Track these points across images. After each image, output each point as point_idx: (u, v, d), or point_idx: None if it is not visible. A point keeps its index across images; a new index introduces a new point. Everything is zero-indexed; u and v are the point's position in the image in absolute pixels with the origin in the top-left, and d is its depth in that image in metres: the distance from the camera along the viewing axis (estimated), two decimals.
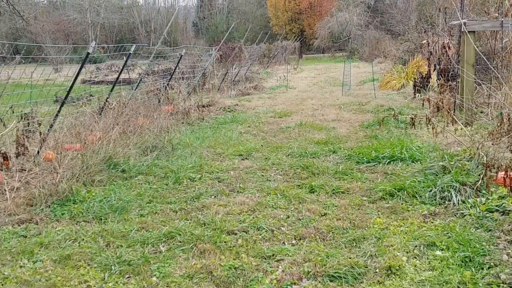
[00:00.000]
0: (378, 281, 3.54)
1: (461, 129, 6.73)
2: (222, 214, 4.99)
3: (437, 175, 5.70)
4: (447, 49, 11.89)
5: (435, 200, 5.11)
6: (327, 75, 23.44)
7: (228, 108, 12.56)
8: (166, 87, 11.53)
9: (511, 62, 9.03)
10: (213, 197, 5.59)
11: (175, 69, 12.42)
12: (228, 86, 16.40)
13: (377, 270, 3.69)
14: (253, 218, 4.89)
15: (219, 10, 51.56)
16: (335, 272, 3.66)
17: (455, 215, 4.72)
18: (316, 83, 19.82)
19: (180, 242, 4.33)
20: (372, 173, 6.37)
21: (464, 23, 8.42)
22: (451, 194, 5.11)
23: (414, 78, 12.96)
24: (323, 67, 29.79)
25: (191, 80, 13.97)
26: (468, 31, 8.36)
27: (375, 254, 3.94)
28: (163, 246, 4.29)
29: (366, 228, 4.53)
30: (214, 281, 3.65)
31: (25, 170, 5.97)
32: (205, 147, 8.05)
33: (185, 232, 4.48)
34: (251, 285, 3.58)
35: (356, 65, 27.12)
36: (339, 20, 36.55)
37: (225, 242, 4.30)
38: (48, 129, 6.82)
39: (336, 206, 5.19)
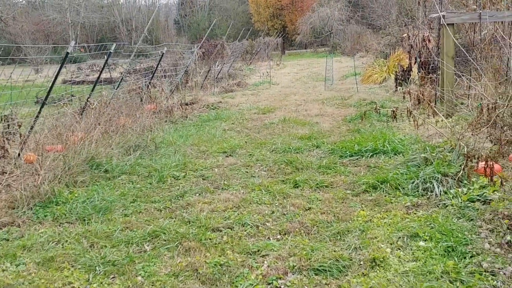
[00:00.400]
0: (363, 273, 3.57)
1: (442, 120, 6.80)
2: (207, 211, 4.98)
3: (419, 167, 5.76)
4: (427, 42, 11.98)
5: (418, 191, 5.16)
6: (309, 71, 23.52)
7: (212, 106, 12.53)
8: (148, 86, 11.45)
9: (490, 54, 9.14)
10: (197, 195, 5.58)
11: (156, 67, 12.35)
12: (211, 83, 16.35)
13: (361, 263, 3.72)
14: (238, 214, 4.89)
15: (200, 7, 51.36)
16: (320, 266, 3.68)
17: (438, 206, 4.78)
18: (299, 79, 19.87)
19: (165, 240, 4.32)
20: (355, 166, 6.42)
21: (443, 16, 8.50)
22: (433, 185, 5.17)
23: (396, 72, 13.06)
24: (306, 62, 29.87)
25: (173, 78, 13.90)
26: (447, 24, 8.44)
27: (360, 247, 3.97)
28: (147, 245, 4.27)
29: (350, 221, 4.56)
30: (199, 279, 3.64)
31: (6, 173, 5.88)
32: (189, 145, 8.02)
33: (169, 231, 4.46)
34: (236, 281, 3.59)
35: (338, 59, 27.22)
36: (321, 15, 36.66)
37: (210, 239, 4.30)
38: (29, 131, 6.73)
39: (320, 200, 5.21)
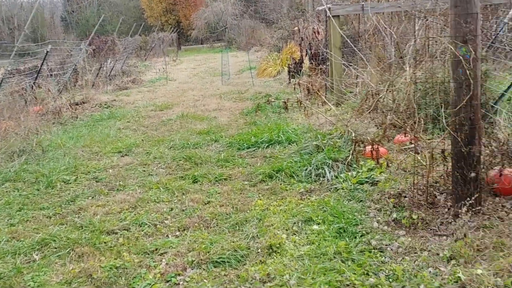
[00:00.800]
0: (260, 260, 3.61)
1: (330, 109, 7.10)
2: (101, 214, 4.77)
3: (311, 154, 5.97)
4: (317, 34, 12.48)
5: (311, 177, 5.35)
6: (206, 66, 23.48)
7: (105, 104, 12.05)
8: (32, 86, 10.73)
9: (374, 44, 9.71)
10: (90, 198, 5.33)
11: (41, 66, 11.60)
12: (104, 81, 15.73)
13: (259, 250, 3.77)
14: (135, 214, 4.75)
15: (88, 3, 49.09)
16: (219, 258, 3.68)
17: (330, 190, 4.98)
18: (196, 74, 19.77)
19: (56, 248, 4.07)
20: (253, 157, 6.51)
21: (329, 8, 8.86)
22: (325, 170, 5.38)
23: (288, 64, 13.42)
24: (203, 57, 29.76)
25: (61, 77, 13.16)
26: (333, 16, 8.82)
27: (257, 235, 4.03)
28: (36, 255, 4.00)
29: (248, 211, 4.62)
30: (94, 284, 3.48)
31: None
32: (80, 146, 7.64)
33: (60, 238, 4.22)
34: (134, 282, 3.47)
35: (234, 54, 27.46)
36: (215, 10, 36.73)
37: (105, 242, 4.12)
38: None
39: (219, 193, 5.22)
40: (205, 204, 4.95)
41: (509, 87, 5.97)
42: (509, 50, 7.53)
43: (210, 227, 4.36)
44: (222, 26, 37.49)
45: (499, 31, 6.88)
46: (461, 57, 3.77)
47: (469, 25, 3.78)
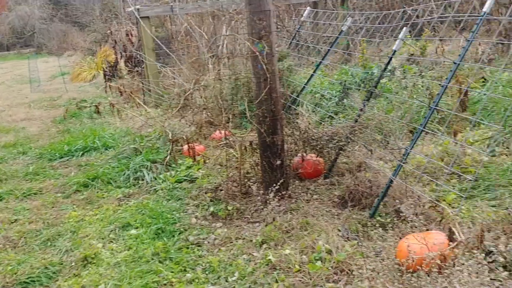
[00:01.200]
0: (74, 274, 3.41)
1: (146, 111, 7.03)
2: None
3: (130, 158, 5.83)
4: (131, 36, 12.23)
5: (129, 182, 5.22)
6: (13, 73, 21.40)
7: None
8: None
9: (186, 45, 9.85)
10: None
11: None
12: None
13: (73, 264, 3.55)
14: None
15: None
16: (28, 277, 3.39)
17: (149, 192, 4.93)
18: (1, 83, 17.92)
19: None
20: (66, 167, 6.12)
21: (138, 9, 8.72)
22: (143, 173, 5.30)
23: (103, 68, 12.93)
24: (9, 65, 27.01)
25: None
26: (142, 17, 8.70)
27: (71, 248, 3.80)
28: None
29: (61, 225, 4.33)
30: None
31: None
32: None
33: None
34: None
35: (45, 60, 25.51)
36: (19, 14, 33.68)
37: None
38: None
39: (28, 209, 4.80)
40: (12, 223, 4.51)
41: (308, 80, 6.55)
42: (313, 47, 8.27)
43: (18, 247, 3.98)
44: (29, 31, 34.56)
45: (298, 29, 7.48)
46: (257, 53, 4.01)
47: (262, 21, 4.03)
